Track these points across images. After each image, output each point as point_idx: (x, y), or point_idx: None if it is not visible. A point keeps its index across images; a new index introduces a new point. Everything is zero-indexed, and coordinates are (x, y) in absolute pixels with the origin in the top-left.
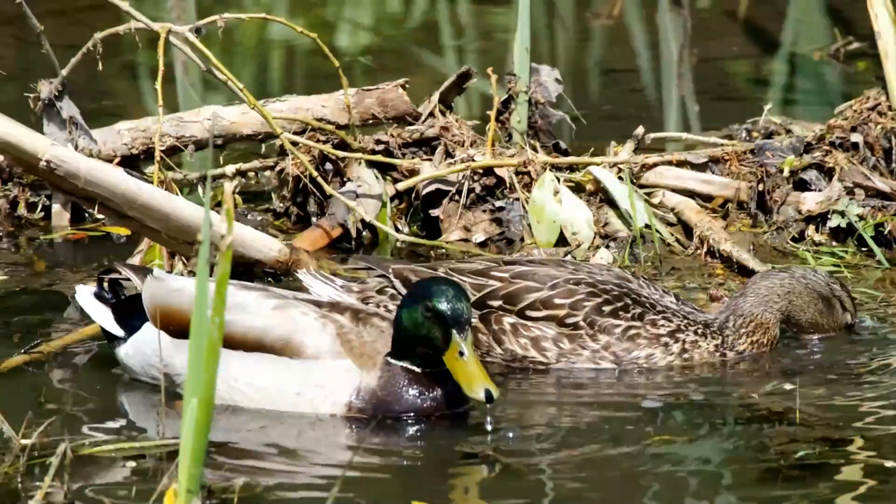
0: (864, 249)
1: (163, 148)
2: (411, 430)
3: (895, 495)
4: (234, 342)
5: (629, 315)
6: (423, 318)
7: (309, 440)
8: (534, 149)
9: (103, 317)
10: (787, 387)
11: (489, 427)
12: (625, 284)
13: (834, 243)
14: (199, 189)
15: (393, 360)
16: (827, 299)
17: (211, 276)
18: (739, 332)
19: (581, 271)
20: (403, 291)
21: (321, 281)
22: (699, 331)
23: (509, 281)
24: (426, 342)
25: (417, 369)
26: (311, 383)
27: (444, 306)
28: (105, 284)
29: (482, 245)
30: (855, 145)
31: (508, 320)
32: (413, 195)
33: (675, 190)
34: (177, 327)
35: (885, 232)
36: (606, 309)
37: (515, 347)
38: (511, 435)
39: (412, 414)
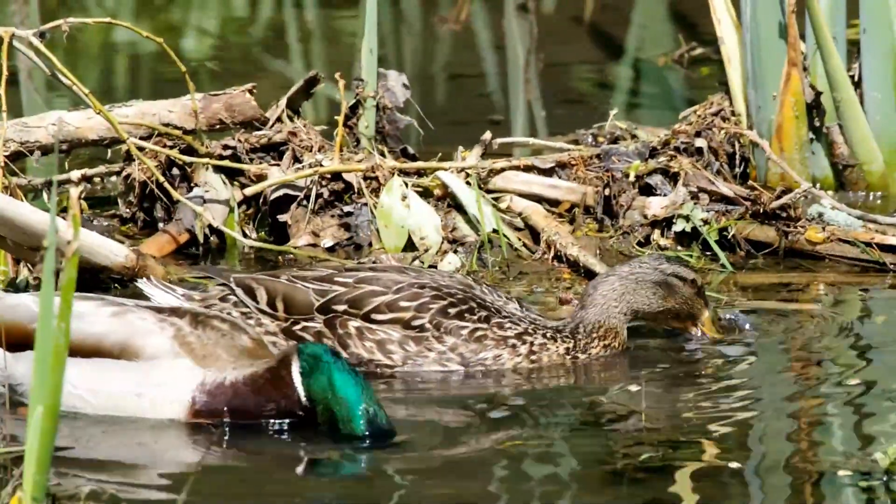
0: (708, 253)
1: (7, 153)
2: (259, 433)
3: (739, 496)
4: (72, 349)
5: (475, 317)
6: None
7: (155, 444)
8: (382, 154)
9: None
10: (633, 388)
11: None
12: (469, 290)
13: (679, 247)
14: (45, 195)
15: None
16: (664, 283)
17: (57, 282)
18: (591, 337)
19: (424, 276)
20: (246, 300)
21: (162, 290)
22: (548, 334)
23: (353, 286)
24: (327, 413)
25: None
26: (150, 383)
27: (363, 427)
28: None
29: (330, 250)
30: (699, 150)
31: (353, 324)
32: (261, 200)
33: (522, 195)
34: (16, 342)
35: (729, 236)
36: (452, 311)
37: (361, 351)
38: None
39: (259, 418)
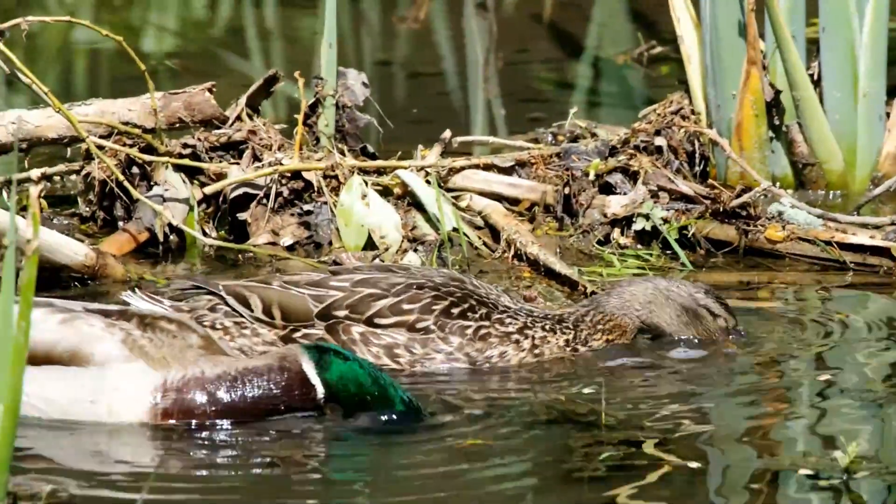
0: (668, 252)
1: None
2: (221, 435)
3: (699, 496)
4: None
5: (477, 315)
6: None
7: (115, 446)
8: (341, 152)
9: None
10: (588, 390)
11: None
12: (462, 286)
13: (639, 246)
14: (4, 194)
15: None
16: (692, 310)
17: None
18: (596, 328)
19: (416, 276)
20: (240, 308)
21: (149, 302)
22: (546, 326)
23: (351, 290)
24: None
25: (236, 366)
26: (105, 389)
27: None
28: None
29: (290, 249)
30: (659, 149)
31: (357, 329)
32: (221, 199)
33: (482, 193)
34: None
35: (689, 235)
36: (455, 311)
37: (368, 357)
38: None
39: (222, 418)
